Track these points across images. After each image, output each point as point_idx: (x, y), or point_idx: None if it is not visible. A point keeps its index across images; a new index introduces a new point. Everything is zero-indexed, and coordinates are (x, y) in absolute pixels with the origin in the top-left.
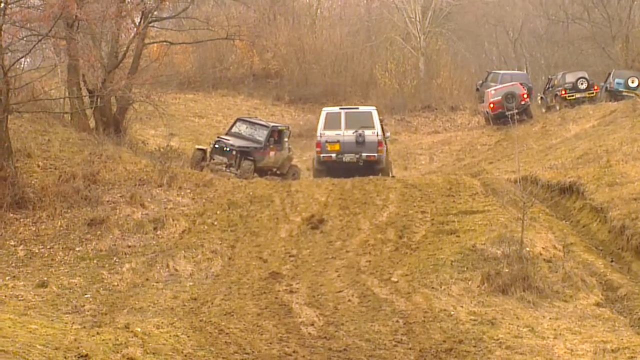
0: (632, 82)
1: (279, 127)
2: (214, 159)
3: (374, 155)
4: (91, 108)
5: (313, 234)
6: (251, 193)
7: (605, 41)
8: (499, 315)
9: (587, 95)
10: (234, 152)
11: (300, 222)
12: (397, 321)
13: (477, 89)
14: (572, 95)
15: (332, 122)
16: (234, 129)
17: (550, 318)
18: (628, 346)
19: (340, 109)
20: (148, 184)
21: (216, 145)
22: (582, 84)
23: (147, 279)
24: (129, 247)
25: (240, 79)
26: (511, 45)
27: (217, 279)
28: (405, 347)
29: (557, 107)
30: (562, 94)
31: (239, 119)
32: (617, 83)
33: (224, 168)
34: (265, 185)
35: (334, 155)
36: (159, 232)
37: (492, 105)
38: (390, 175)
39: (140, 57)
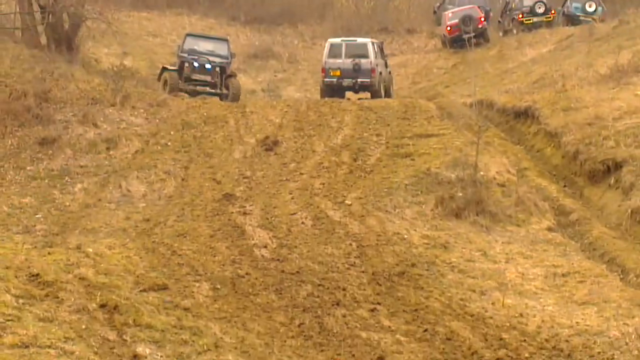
0: (590, 7)
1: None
2: (193, 79)
3: (368, 81)
4: (42, 24)
5: (267, 156)
6: (205, 114)
7: None
8: (451, 239)
9: (545, 20)
10: (217, 69)
11: (255, 143)
12: (350, 244)
13: (435, 12)
14: (530, 19)
15: (335, 52)
16: (187, 46)
17: (502, 242)
18: (578, 270)
19: (342, 40)
20: (101, 103)
21: (195, 64)
22: (539, 7)
23: (99, 200)
24: (81, 167)
25: None
26: None
27: (170, 200)
28: (358, 270)
29: (514, 31)
30: (519, 18)
31: (188, 35)
32: (575, 7)
33: (209, 88)
34: (220, 106)
35: (335, 79)
36: (111, 152)
37: (449, 29)
38: (384, 96)
39: None
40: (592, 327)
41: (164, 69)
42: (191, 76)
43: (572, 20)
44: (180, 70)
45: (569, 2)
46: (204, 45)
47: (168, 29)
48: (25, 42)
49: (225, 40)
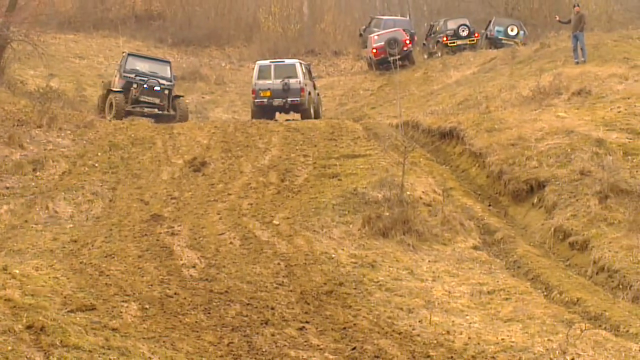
0: (512, 31)
1: None
2: (142, 101)
3: (297, 100)
4: None
5: (195, 177)
6: (133, 135)
7: None
8: (379, 258)
9: (468, 42)
10: (166, 92)
11: (183, 164)
12: (279, 264)
13: (361, 35)
14: (454, 42)
15: (264, 73)
16: (129, 66)
17: (429, 261)
18: (503, 288)
19: (270, 62)
20: (27, 125)
21: (145, 86)
22: (463, 31)
23: (25, 221)
24: (7, 188)
25: (122, 20)
26: None
27: (97, 221)
28: (286, 289)
29: (439, 54)
30: (443, 41)
31: (130, 55)
32: (497, 31)
33: (157, 110)
34: (147, 127)
35: (265, 100)
36: (38, 174)
37: (375, 51)
38: (313, 116)
39: None
40: (517, 344)
41: (110, 91)
42: (139, 98)
43: (494, 43)
44: (126, 91)
45: (491, 25)
46: (146, 66)
47: (95, 51)
48: None
49: (168, 62)
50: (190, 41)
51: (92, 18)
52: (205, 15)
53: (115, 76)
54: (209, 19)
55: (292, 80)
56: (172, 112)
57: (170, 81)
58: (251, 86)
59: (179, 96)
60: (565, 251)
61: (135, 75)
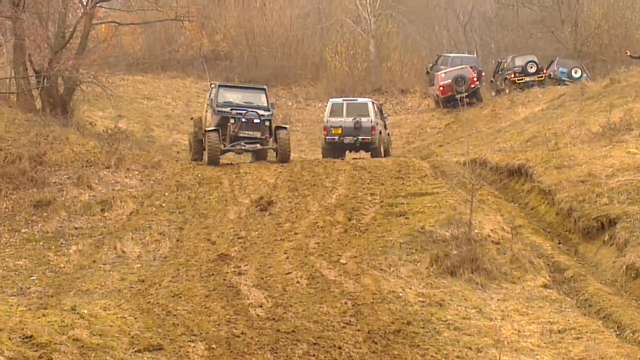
0: (575, 73)
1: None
2: (241, 137)
3: (368, 138)
4: (37, 88)
5: (262, 216)
6: (200, 175)
7: (554, 25)
8: (447, 297)
9: (537, 79)
10: (266, 123)
11: (249, 204)
12: (346, 303)
13: (428, 72)
14: (522, 79)
15: (336, 111)
16: (222, 99)
17: (498, 299)
18: (574, 327)
19: (343, 100)
20: (95, 166)
21: (243, 119)
22: (531, 67)
23: (94, 261)
24: (76, 228)
25: (189, 61)
26: (461, 28)
27: (165, 260)
28: (354, 328)
29: (507, 91)
30: (511, 78)
31: (221, 86)
32: (561, 72)
33: (259, 145)
34: (214, 167)
35: (337, 137)
36: (106, 214)
37: (442, 88)
38: (384, 156)
39: (87, 38)
40: None
41: (207, 131)
42: (239, 134)
43: (558, 83)
44: (222, 128)
45: (555, 66)
46: (239, 97)
47: (163, 91)
48: (20, 106)
49: (262, 89)
50: (257, 81)
51: (159, 59)
52: (271, 55)
53: (207, 111)
54: (276, 58)
55: (363, 119)
56: (274, 146)
57: (269, 110)
58: (323, 123)
59: (281, 127)
60: (637, 289)
61: (231, 109)
